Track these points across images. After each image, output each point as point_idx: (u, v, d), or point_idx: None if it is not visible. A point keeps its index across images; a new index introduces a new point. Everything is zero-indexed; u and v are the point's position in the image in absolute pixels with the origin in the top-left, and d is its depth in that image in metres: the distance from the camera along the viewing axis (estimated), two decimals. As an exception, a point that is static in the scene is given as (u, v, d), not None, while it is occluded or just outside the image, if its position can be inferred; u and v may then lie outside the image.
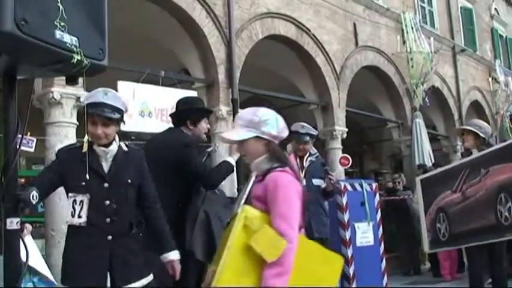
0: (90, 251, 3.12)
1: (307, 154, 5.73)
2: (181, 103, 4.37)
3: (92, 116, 3.14)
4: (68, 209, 3.18)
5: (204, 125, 4.30)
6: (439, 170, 5.94)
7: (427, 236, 5.60)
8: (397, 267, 9.61)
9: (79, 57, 2.06)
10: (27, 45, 1.89)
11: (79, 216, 3.12)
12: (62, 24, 2.00)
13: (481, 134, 5.34)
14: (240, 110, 8.86)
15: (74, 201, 3.14)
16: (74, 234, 3.19)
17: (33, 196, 2.19)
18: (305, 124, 5.79)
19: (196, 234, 3.72)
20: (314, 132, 5.82)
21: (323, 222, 5.59)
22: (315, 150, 5.89)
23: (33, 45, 1.90)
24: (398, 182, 10.99)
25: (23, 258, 2.27)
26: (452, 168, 5.61)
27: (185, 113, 4.26)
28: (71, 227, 3.21)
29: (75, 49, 2.05)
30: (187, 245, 3.72)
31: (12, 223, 2.15)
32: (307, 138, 5.66)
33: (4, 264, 2.18)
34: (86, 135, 3.17)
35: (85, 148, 3.14)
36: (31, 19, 1.87)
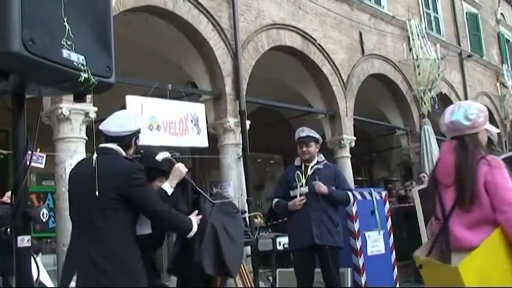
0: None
1: (314, 162, 5.69)
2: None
3: None
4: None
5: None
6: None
7: None
8: (410, 275, 9.53)
9: (86, 76, 2.07)
10: (34, 65, 1.91)
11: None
12: (69, 43, 2.02)
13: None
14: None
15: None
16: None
17: (43, 214, 2.21)
18: (305, 128, 5.82)
19: (204, 248, 3.69)
20: (316, 135, 5.79)
21: (328, 230, 5.49)
22: (323, 158, 5.86)
23: (40, 65, 1.92)
24: (410, 190, 10.94)
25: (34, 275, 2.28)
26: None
27: None
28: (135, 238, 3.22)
29: (82, 67, 2.07)
30: (195, 259, 3.70)
31: (23, 241, 2.16)
32: (308, 139, 5.66)
33: (16, 281, 2.19)
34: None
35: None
36: (38, 39, 1.89)
